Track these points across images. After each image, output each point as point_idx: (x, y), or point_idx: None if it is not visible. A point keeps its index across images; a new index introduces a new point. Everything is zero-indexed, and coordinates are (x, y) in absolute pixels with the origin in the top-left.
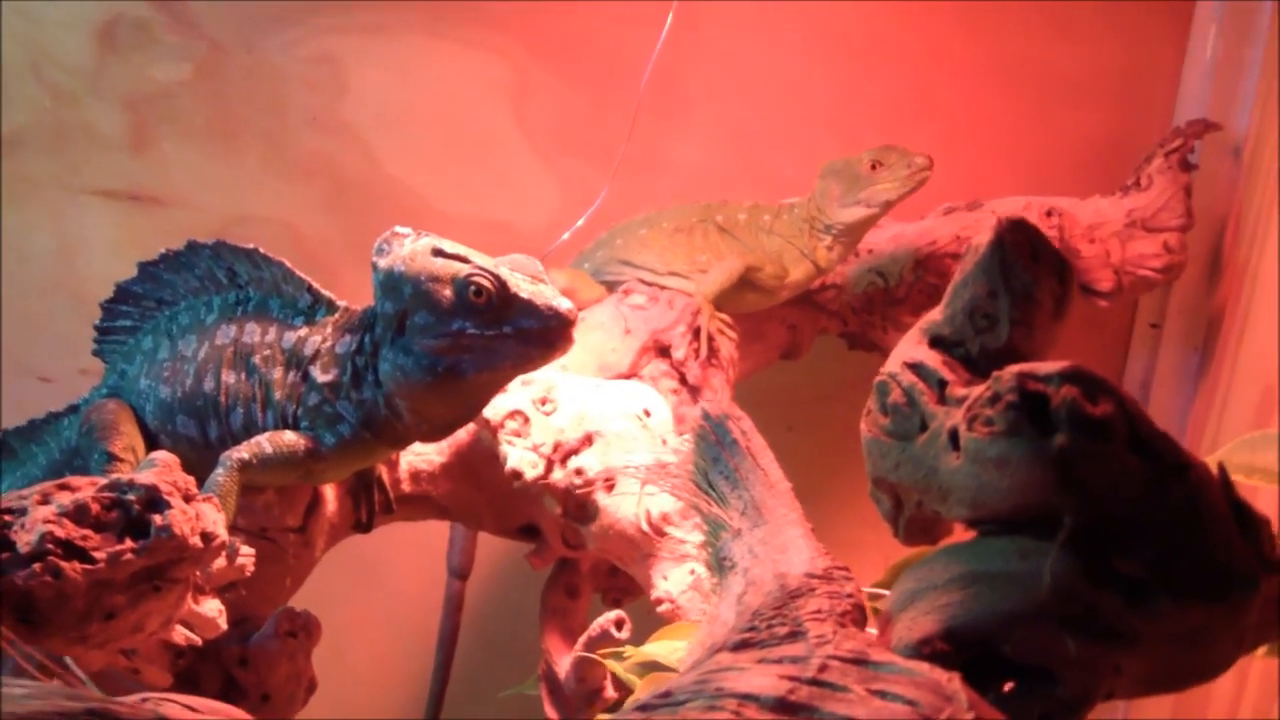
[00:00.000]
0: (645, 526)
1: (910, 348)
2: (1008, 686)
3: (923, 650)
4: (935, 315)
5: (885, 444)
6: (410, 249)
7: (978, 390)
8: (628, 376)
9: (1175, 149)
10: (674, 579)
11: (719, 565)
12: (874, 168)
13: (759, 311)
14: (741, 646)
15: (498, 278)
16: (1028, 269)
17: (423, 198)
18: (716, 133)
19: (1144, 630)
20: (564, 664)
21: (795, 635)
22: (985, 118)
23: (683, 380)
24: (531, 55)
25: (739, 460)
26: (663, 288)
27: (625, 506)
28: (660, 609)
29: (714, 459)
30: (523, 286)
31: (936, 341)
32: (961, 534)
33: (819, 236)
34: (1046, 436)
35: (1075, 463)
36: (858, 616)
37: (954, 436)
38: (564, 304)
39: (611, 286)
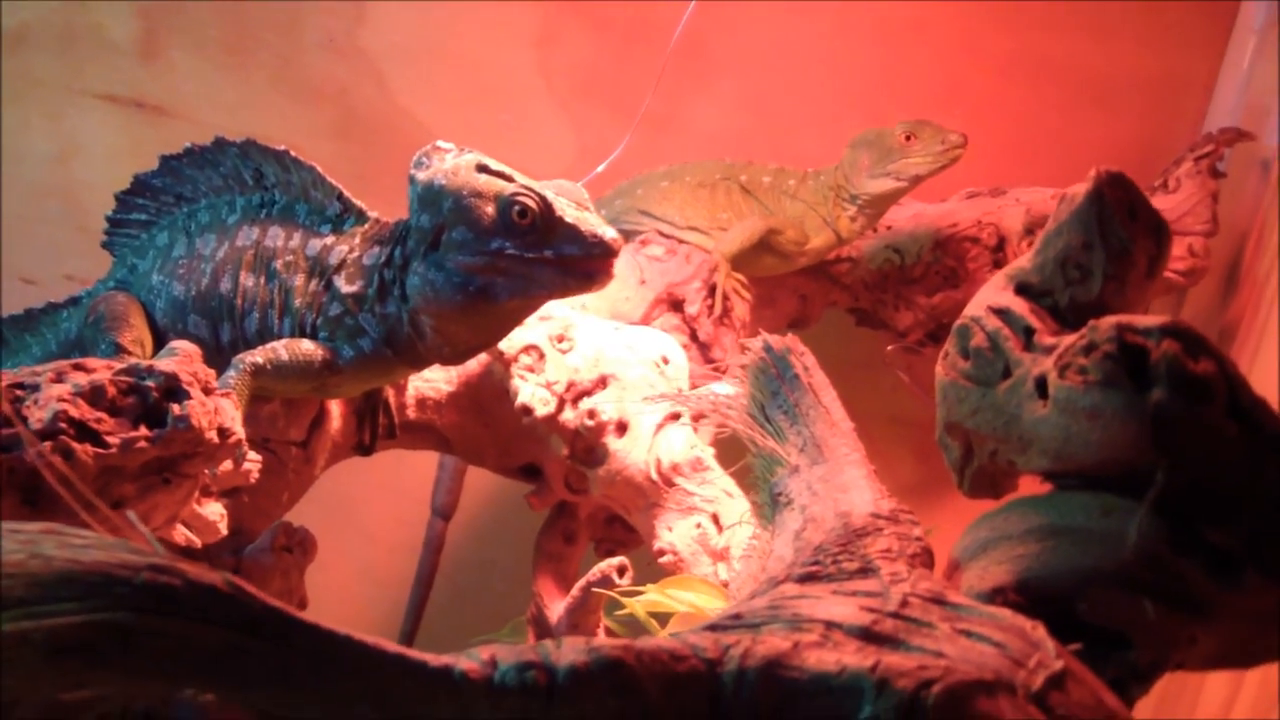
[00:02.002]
0: (654, 475)
1: (995, 293)
2: (1075, 646)
3: (995, 600)
4: (1023, 263)
5: (964, 388)
6: (453, 163)
7: (1070, 339)
8: (640, 326)
9: (1206, 154)
10: (679, 531)
11: (772, 501)
12: (908, 139)
13: (772, 277)
14: (808, 579)
15: (543, 199)
16: (1125, 225)
17: (433, 134)
18: (739, 99)
19: (1225, 603)
20: (556, 609)
21: (866, 571)
22: (1013, 111)
23: (693, 336)
24: (560, 1)
25: (799, 395)
26: (681, 241)
27: (635, 453)
28: (662, 560)
29: (773, 392)
30: (568, 211)
31: (1023, 289)
32: (1028, 491)
33: (843, 206)
34: (1143, 391)
35: (1171, 421)
36: (926, 559)
37: (1041, 384)
38: (609, 233)
39: (629, 236)
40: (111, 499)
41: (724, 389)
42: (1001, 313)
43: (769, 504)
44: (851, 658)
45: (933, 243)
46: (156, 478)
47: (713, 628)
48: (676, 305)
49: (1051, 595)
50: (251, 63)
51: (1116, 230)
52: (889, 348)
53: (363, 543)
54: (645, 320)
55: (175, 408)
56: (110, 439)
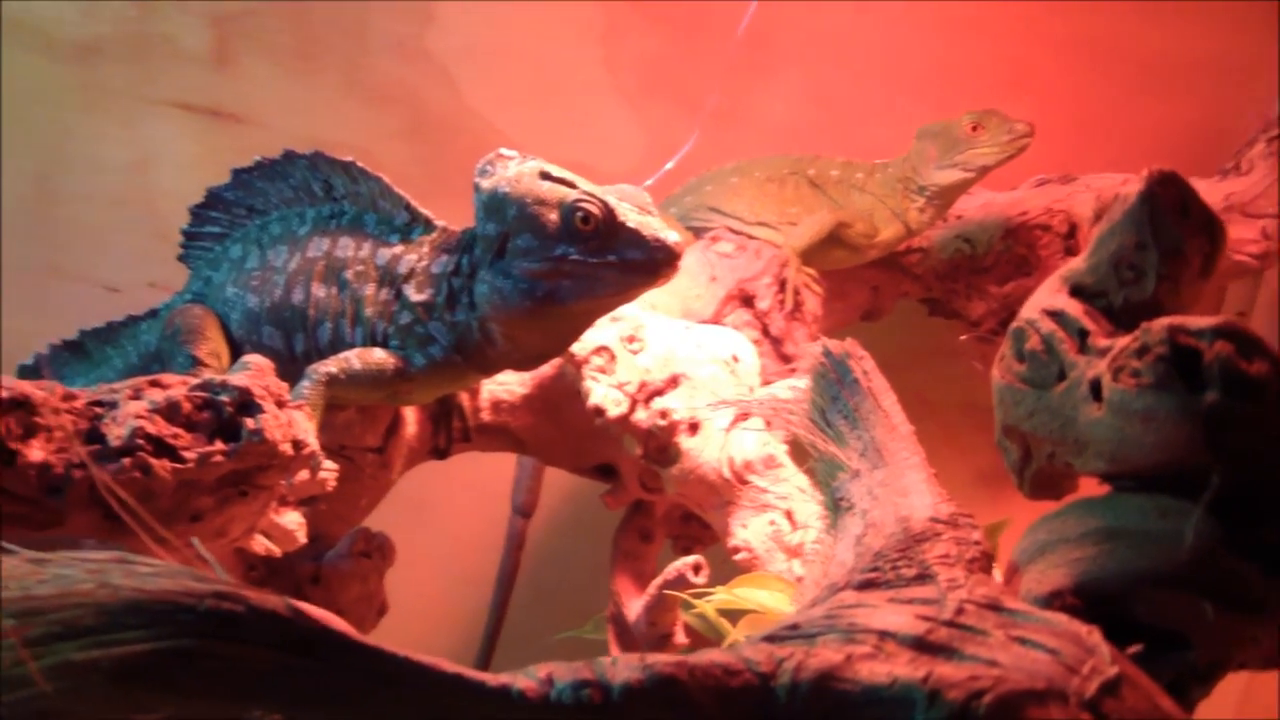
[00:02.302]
0: (727, 473)
1: (1049, 295)
2: (1135, 648)
3: (1053, 603)
4: (1077, 264)
5: (1019, 391)
6: (516, 171)
7: (1124, 341)
8: (711, 323)
9: (1278, 135)
10: (753, 528)
11: (834, 505)
12: (974, 130)
13: (843, 270)
14: (867, 586)
15: (605, 205)
16: (1177, 224)
17: (503, 133)
18: (805, 92)
19: None
20: (634, 607)
21: (923, 578)
22: (1080, 96)
23: (765, 331)
24: None
25: (859, 400)
26: (751, 237)
27: (708, 451)
28: (737, 557)
29: (833, 397)
30: (630, 216)
31: (1077, 290)
32: (1087, 493)
33: (911, 198)
34: (1196, 393)
35: (1226, 422)
36: (985, 564)
37: (1096, 387)
38: (671, 236)
39: (698, 233)
40: (189, 513)
41: (784, 391)
42: (1056, 315)
43: (831, 508)
44: (903, 669)
45: (1003, 231)
46: (233, 490)
47: (770, 639)
48: (748, 301)
49: (1109, 598)
50: (322, 68)
51: (1169, 230)
52: (962, 337)
53: (446, 542)
54: (716, 317)
55: (249, 422)
56: (187, 454)
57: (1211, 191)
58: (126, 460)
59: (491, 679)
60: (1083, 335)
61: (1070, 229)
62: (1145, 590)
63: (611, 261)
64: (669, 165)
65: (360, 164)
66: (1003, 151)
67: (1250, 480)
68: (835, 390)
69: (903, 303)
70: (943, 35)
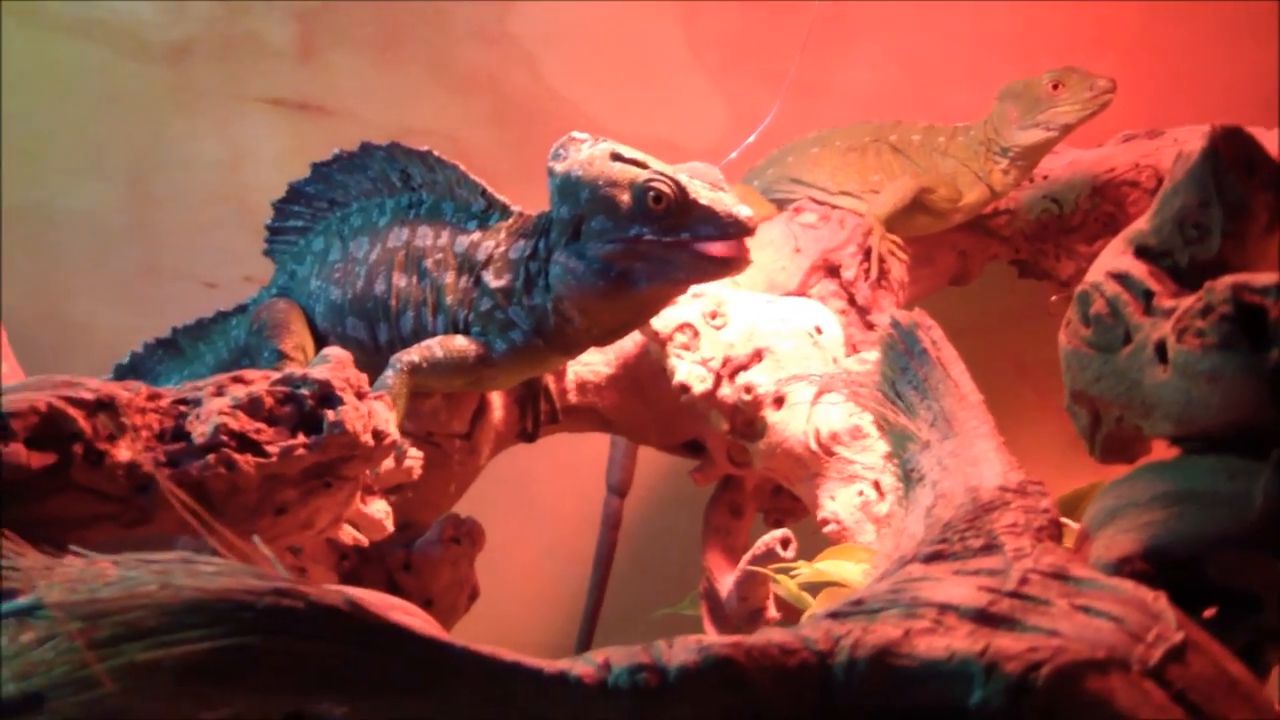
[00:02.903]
0: (814, 445)
1: (1114, 257)
2: (1209, 612)
3: (1122, 569)
4: (1141, 225)
5: (1086, 356)
6: (588, 154)
7: (1188, 301)
8: (796, 295)
9: None
10: (841, 500)
11: (906, 477)
12: (1055, 88)
13: (929, 235)
14: (934, 558)
15: (677, 184)
16: (1242, 180)
17: (587, 114)
18: (887, 58)
19: None
20: (726, 582)
21: (990, 548)
22: (1166, 48)
23: (851, 301)
24: None
25: (928, 370)
26: (834, 207)
27: (794, 424)
28: (826, 529)
29: (902, 368)
30: (702, 193)
31: (1142, 251)
32: (1160, 456)
33: (995, 159)
34: (1263, 351)
35: None
36: (1054, 532)
37: (1161, 349)
38: (744, 211)
39: (782, 204)
40: (275, 505)
41: (856, 364)
42: (1120, 277)
43: (903, 480)
44: (962, 642)
45: (1090, 189)
46: (317, 482)
47: (833, 615)
48: (833, 271)
49: (1180, 562)
50: (406, 57)
51: (1233, 186)
52: (1053, 298)
53: (544, 521)
54: (802, 288)
55: (330, 414)
56: (270, 448)
57: None
58: (211, 457)
59: (549, 665)
60: (1148, 297)
61: (1159, 184)
62: (1216, 553)
63: (685, 240)
64: (750, 139)
65: (436, 153)
66: (1085, 108)
67: None
68: (904, 361)
69: (992, 266)
70: None
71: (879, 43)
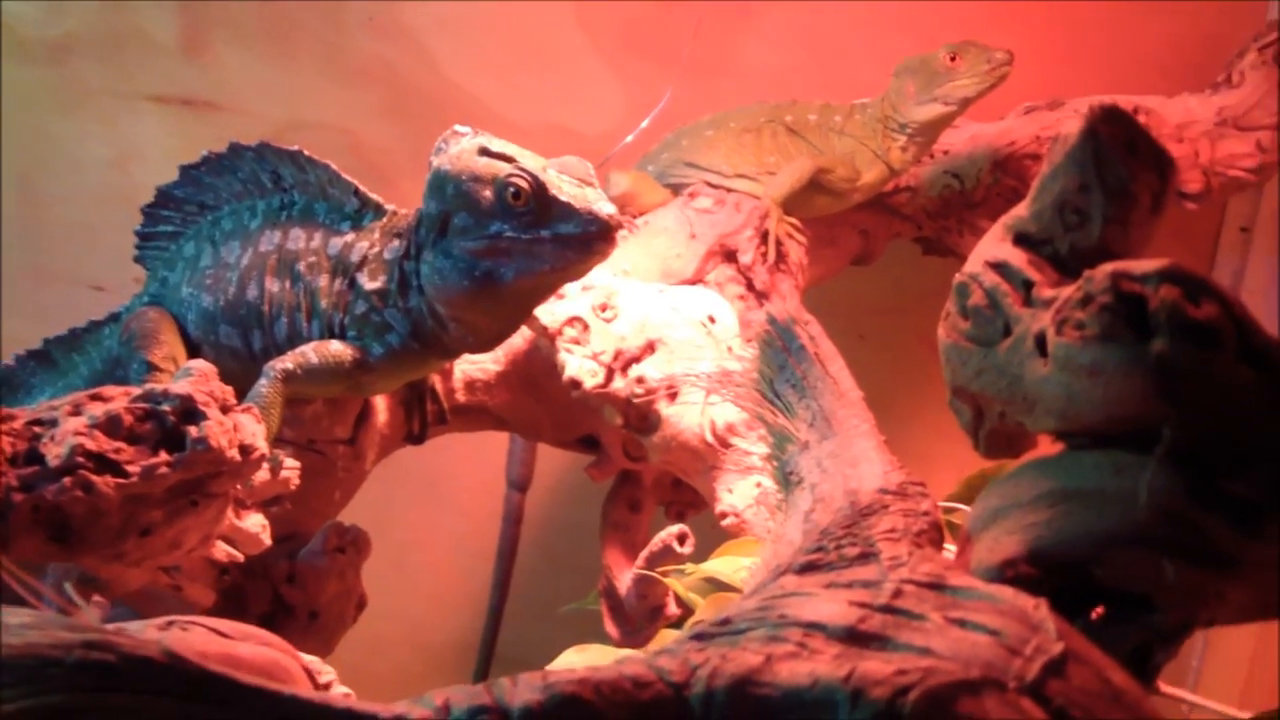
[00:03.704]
0: (709, 437)
1: (993, 246)
2: (1098, 613)
3: (1006, 573)
4: (1020, 211)
5: (965, 350)
6: (457, 148)
7: (1068, 291)
8: (693, 282)
9: (1270, 43)
10: (739, 492)
11: (785, 480)
12: (952, 61)
13: (830, 215)
14: (808, 569)
15: (536, 179)
16: (1123, 162)
17: (484, 103)
18: (785, 33)
19: (1250, 555)
20: (625, 580)
21: (867, 557)
22: (1066, 15)
23: (750, 286)
24: None
25: (807, 368)
26: (730, 190)
27: (689, 417)
28: (724, 523)
29: (780, 366)
30: (564, 189)
31: (1022, 239)
32: (1047, 447)
33: (893, 137)
34: (1144, 342)
35: (1176, 371)
36: (935, 536)
37: (1041, 341)
38: (605, 209)
39: (677, 190)
40: (139, 527)
41: (733, 362)
42: (999, 267)
43: (782, 483)
44: (826, 667)
45: (991, 164)
46: (184, 500)
47: (697, 637)
48: (730, 256)
49: (1066, 562)
50: (296, 50)
51: (1114, 169)
52: (956, 276)
53: (451, 516)
54: (699, 275)
55: (193, 430)
56: (130, 468)
57: (1203, 107)
58: (68, 480)
59: (385, 710)
60: (1027, 286)
61: (1053, 143)
62: (1103, 552)
63: (544, 237)
64: (645, 123)
65: (307, 152)
66: (983, 82)
67: (1208, 429)
68: (782, 359)
69: (895, 244)
70: None
71: (776, 19)
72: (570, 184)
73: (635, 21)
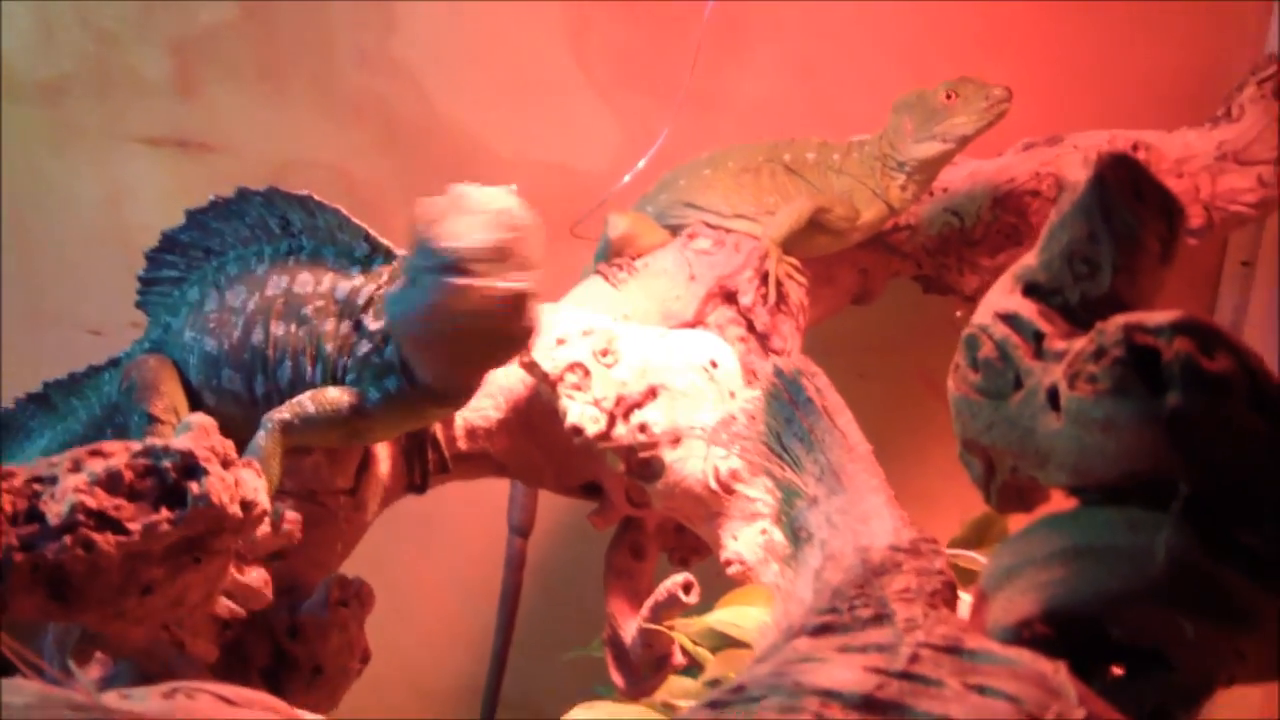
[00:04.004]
0: (714, 484)
1: (1002, 297)
2: (1117, 672)
3: (1022, 634)
4: (1029, 260)
5: (976, 403)
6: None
7: (1079, 343)
8: (693, 324)
9: (1269, 77)
10: (744, 539)
11: (794, 536)
12: (949, 99)
13: (829, 255)
14: (821, 631)
15: (427, 222)
16: (1132, 209)
17: (477, 139)
18: (782, 68)
19: (1269, 610)
20: (629, 628)
21: (881, 619)
22: (1064, 49)
23: (750, 327)
24: None
25: (814, 421)
26: (729, 231)
27: (692, 463)
28: (730, 570)
29: (787, 419)
30: (437, 228)
31: (1031, 289)
32: (1061, 502)
33: (892, 175)
34: (1158, 395)
35: (1191, 425)
36: (948, 595)
37: (1053, 395)
38: (468, 240)
39: (675, 230)
40: (141, 585)
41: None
42: (1009, 318)
43: (791, 539)
44: None
45: (991, 200)
46: (186, 557)
47: (713, 705)
48: (730, 298)
49: (1082, 622)
50: (288, 88)
51: (1122, 216)
52: (958, 313)
53: (454, 558)
54: (699, 317)
55: (194, 486)
56: (131, 525)
57: (1202, 141)
58: (68, 538)
59: None
60: (1038, 338)
61: (1060, 193)
62: (1120, 611)
63: (416, 277)
64: (640, 164)
65: (317, 196)
66: (981, 119)
67: (1224, 482)
68: (789, 411)
69: (895, 282)
70: None
71: (772, 53)
72: (478, 229)
73: (630, 56)
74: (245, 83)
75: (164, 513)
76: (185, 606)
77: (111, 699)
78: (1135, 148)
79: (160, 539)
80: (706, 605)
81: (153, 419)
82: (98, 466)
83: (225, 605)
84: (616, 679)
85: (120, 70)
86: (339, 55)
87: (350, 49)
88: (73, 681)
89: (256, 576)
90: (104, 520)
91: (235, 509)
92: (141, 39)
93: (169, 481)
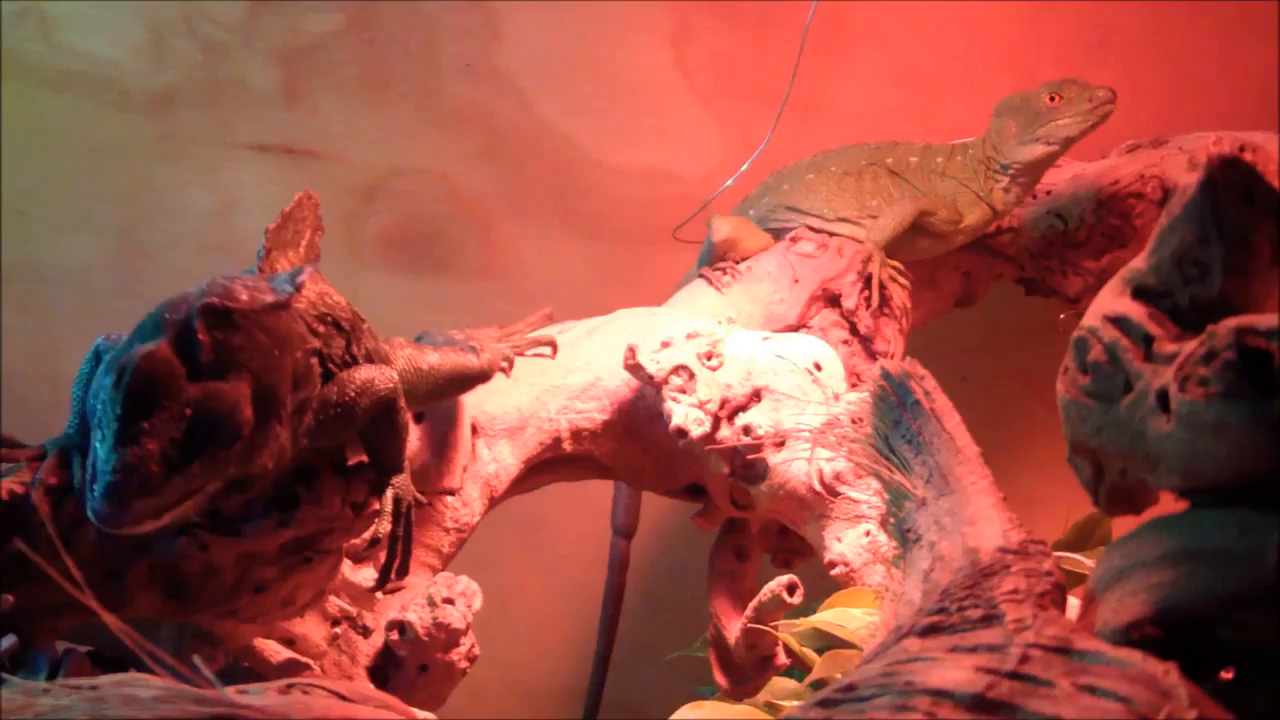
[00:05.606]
0: (818, 486)
1: (1111, 300)
2: (1227, 674)
3: (1131, 635)
4: (1139, 263)
5: (1085, 406)
6: None
7: (1190, 346)
8: (796, 328)
9: None
10: (848, 541)
11: (902, 538)
12: (1053, 101)
13: (932, 258)
14: (931, 631)
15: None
16: (1242, 212)
17: (580, 147)
18: (884, 73)
19: None
20: (733, 629)
21: (990, 619)
22: (1170, 51)
23: (854, 330)
24: None
25: (922, 423)
26: (832, 234)
27: (796, 466)
28: (834, 572)
29: (895, 422)
30: None
31: (1141, 292)
32: (1169, 504)
33: (995, 178)
34: (1269, 398)
35: None
36: (1058, 597)
37: (1163, 398)
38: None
39: (778, 234)
40: (253, 584)
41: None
42: (1118, 321)
43: (900, 541)
44: None
45: (1095, 203)
46: (297, 557)
47: (822, 703)
48: (833, 301)
49: (1193, 623)
50: (393, 96)
51: (1233, 218)
52: (1061, 316)
53: (558, 559)
54: (802, 320)
55: (303, 489)
56: (244, 526)
57: None
58: (184, 539)
59: None
60: (1148, 341)
61: (1165, 195)
62: (1230, 613)
63: None
64: (743, 169)
65: None
66: (1085, 121)
67: None
68: (897, 414)
69: (998, 285)
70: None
71: (874, 58)
72: None
73: (731, 62)
74: (351, 91)
75: (275, 514)
76: (295, 605)
77: (232, 694)
78: (1242, 149)
79: (272, 539)
80: (810, 607)
81: None
82: None
83: (336, 604)
84: (720, 679)
85: (228, 79)
86: (443, 64)
87: (454, 58)
88: (198, 676)
89: (367, 576)
90: (218, 521)
91: (346, 509)
92: (249, 48)
93: (283, 484)
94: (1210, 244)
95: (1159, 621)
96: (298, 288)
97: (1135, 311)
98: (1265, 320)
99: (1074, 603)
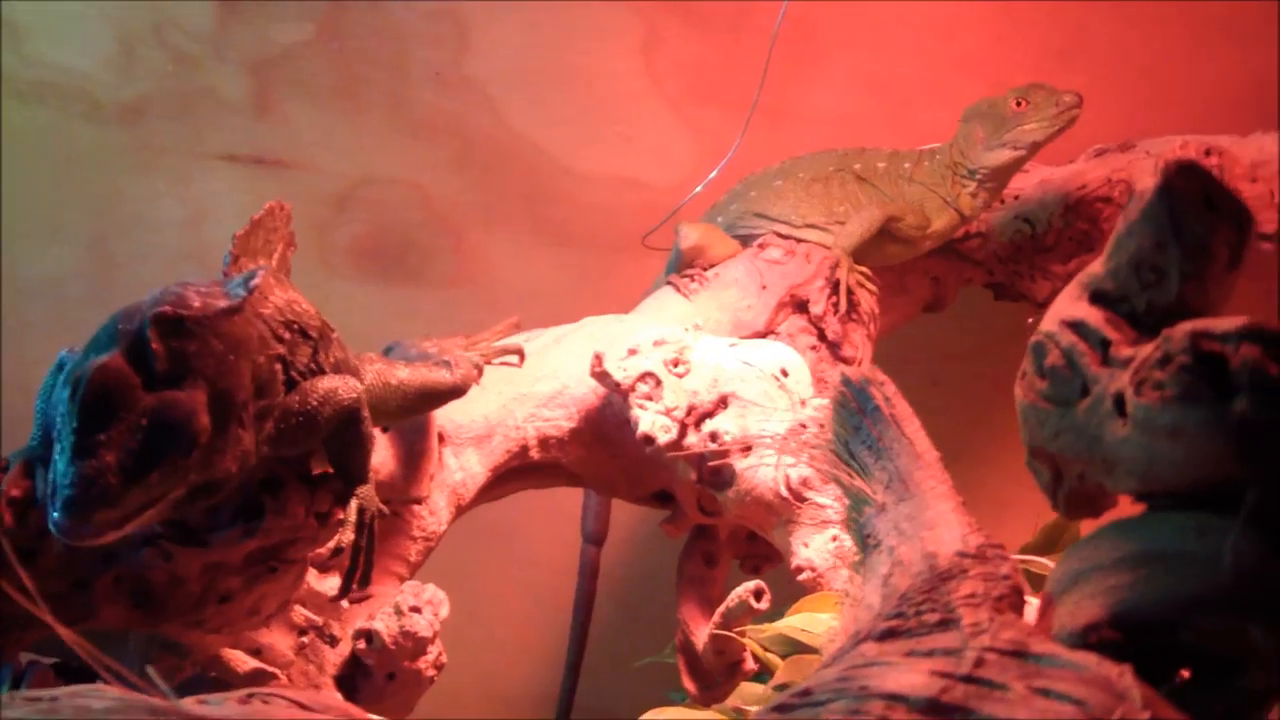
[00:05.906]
0: (785, 492)
1: (1069, 304)
2: (1184, 676)
3: (1089, 638)
4: (1096, 268)
5: (1043, 410)
6: None
7: (1146, 351)
8: (764, 334)
9: None
10: (815, 546)
11: (862, 543)
12: (1019, 106)
13: (901, 263)
14: (888, 636)
15: None
16: (1200, 217)
17: (551, 155)
18: (853, 78)
19: None
20: (702, 635)
21: (947, 623)
22: (1137, 55)
23: (822, 336)
24: (659, 2)
25: (882, 428)
26: (799, 240)
27: (763, 472)
28: (801, 578)
29: (855, 427)
30: None
31: (1098, 297)
32: (1128, 508)
33: (963, 183)
34: (1225, 402)
35: (1258, 430)
36: (1015, 600)
37: (1120, 402)
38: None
39: (746, 241)
40: (218, 594)
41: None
42: (1076, 326)
43: (860, 546)
44: None
45: (1063, 207)
46: (262, 567)
47: (779, 708)
48: (801, 307)
49: (1150, 626)
50: (364, 105)
51: (1191, 224)
52: (1029, 320)
53: (528, 566)
54: (770, 326)
55: (269, 499)
56: (210, 536)
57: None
58: (149, 550)
59: None
60: (1105, 346)
61: (1129, 200)
62: (1187, 616)
63: None
64: (712, 175)
65: None
66: (1052, 125)
67: None
68: (857, 420)
69: (968, 289)
70: (990, 4)
71: (843, 64)
72: None
73: (701, 69)
74: (321, 100)
75: (241, 524)
76: (261, 615)
77: (189, 704)
78: (1208, 153)
79: (238, 549)
80: (778, 612)
81: None
82: None
83: (301, 613)
84: (689, 685)
85: (198, 90)
86: (414, 73)
87: (425, 67)
88: (152, 687)
89: (332, 585)
90: (184, 531)
91: (311, 519)
92: (219, 58)
93: (248, 493)
94: (1167, 249)
95: (1117, 624)
96: (250, 291)
97: (1093, 316)
98: (1220, 324)
99: (1035, 604)
